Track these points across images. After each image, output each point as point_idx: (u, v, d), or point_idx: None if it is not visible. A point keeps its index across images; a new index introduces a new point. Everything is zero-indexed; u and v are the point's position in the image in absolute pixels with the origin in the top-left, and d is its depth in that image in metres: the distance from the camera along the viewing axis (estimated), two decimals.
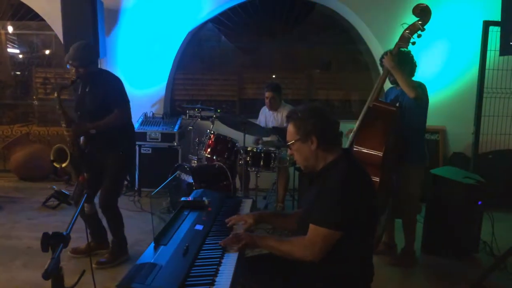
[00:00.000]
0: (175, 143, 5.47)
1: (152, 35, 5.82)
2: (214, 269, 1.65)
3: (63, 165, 3.33)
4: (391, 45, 3.48)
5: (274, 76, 6.73)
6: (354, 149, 3.19)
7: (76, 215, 1.62)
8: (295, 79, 6.77)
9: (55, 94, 3.22)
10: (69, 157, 3.30)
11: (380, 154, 3.11)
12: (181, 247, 1.77)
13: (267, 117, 5.06)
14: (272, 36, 6.44)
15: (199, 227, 2.04)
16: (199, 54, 6.61)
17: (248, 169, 4.51)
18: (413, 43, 3.29)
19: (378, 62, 3.85)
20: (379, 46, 5.55)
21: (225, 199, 2.62)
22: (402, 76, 3.25)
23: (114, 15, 5.77)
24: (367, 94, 3.57)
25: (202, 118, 5.40)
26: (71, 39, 4.73)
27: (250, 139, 4.92)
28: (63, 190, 4.95)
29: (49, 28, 6.04)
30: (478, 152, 4.86)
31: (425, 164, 3.54)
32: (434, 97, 5.56)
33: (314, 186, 1.97)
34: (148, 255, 1.71)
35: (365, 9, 5.68)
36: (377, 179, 3.03)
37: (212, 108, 5.08)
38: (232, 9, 6.11)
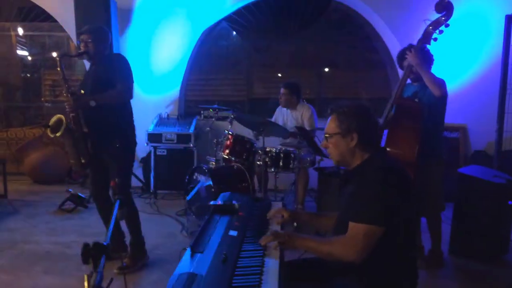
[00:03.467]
0: (191, 144, 5.40)
1: (165, 35, 5.76)
2: (258, 279, 1.57)
3: (57, 134, 3.23)
4: (409, 42, 3.44)
5: (280, 75, 6.66)
6: (387, 149, 3.12)
7: (112, 223, 1.55)
8: (309, 78, 6.70)
9: (57, 59, 3.20)
10: (63, 128, 3.19)
11: (415, 152, 3.07)
12: (218, 254, 1.70)
13: (285, 116, 4.97)
14: (286, 34, 6.37)
15: (233, 233, 1.97)
16: (212, 54, 6.54)
17: (267, 169, 4.43)
18: (435, 40, 3.22)
19: (395, 59, 3.77)
20: (396, 43, 5.44)
21: (254, 202, 2.54)
22: (427, 73, 3.19)
23: (127, 15, 5.71)
24: (382, 92, 3.50)
25: (218, 118, 5.32)
26: None
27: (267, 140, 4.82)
28: (79, 193, 4.90)
29: (61, 29, 5.99)
30: (501, 149, 4.75)
31: (443, 160, 3.47)
32: (455, 94, 5.48)
33: (350, 186, 1.92)
34: (186, 263, 1.64)
35: (383, 6, 5.57)
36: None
37: (229, 109, 5.00)
38: (246, 8, 6.03)
